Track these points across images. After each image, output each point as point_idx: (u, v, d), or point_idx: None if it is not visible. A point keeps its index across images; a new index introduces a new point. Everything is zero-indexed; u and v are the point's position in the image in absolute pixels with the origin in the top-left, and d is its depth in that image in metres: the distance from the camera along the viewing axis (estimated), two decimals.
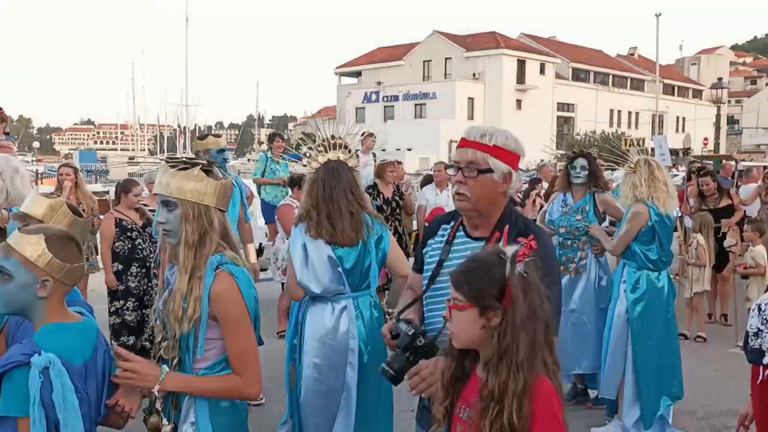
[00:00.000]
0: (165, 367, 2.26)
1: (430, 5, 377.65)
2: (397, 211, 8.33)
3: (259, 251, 8.32)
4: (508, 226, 2.07)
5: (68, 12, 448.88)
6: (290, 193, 7.50)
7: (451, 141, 46.99)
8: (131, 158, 45.44)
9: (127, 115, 73.35)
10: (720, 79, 31.99)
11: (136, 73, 68.66)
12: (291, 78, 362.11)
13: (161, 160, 2.98)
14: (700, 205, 8.42)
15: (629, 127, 57.61)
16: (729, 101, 69.82)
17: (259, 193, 9.57)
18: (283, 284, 7.16)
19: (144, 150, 68.02)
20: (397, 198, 8.37)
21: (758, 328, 2.72)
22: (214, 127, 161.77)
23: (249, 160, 44.32)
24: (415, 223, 8.97)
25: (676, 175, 20.05)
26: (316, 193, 3.50)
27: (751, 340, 2.75)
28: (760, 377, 2.70)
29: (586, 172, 5.17)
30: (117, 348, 2.28)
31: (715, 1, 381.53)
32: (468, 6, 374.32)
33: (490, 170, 2.22)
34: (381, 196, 8.32)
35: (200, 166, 2.33)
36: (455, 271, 1.88)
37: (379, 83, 56.13)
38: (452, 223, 2.42)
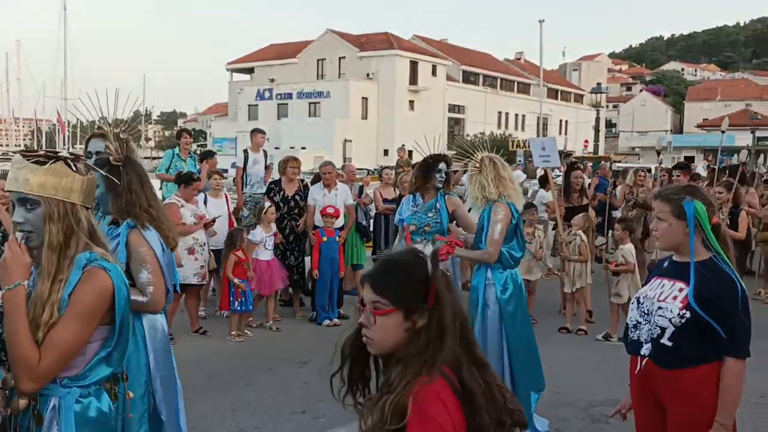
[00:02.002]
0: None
1: (324, 4, 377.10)
2: (296, 210, 8.12)
3: None
4: None
5: None
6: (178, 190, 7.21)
7: (345, 140, 47.12)
8: (4, 154, 42.48)
9: (0, 108, 68.58)
10: (599, 84, 33.82)
11: (11, 63, 64.10)
12: (181, 73, 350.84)
13: (14, 153, 2.74)
14: (565, 201, 8.81)
15: (516, 129, 59.77)
16: (607, 106, 74.07)
17: (161, 189, 9.19)
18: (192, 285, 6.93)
19: (19, 145, 63.84)
20: (297, 197, 8.19)
21: (637, 321, 2.86)
22: (97, 123, 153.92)
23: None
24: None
25: (558, 176, 20.98)
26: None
27: (631, 332, 2.89)
28: (638, 367, 2.82)
29: (446, 177, 5.49)
30: None
31: (595, 11, 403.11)
32: (362, 6, 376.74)
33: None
34: (281, 193, 8.14)
35: (63, 159, 2.15)
36: (372, 275, 1.79)
37: (272, 80, 55.38)
38: None
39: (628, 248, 7.16)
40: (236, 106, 56.45)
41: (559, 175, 16.91)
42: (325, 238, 7.72)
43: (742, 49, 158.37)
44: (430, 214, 5.39)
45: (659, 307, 2.79)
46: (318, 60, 55.26)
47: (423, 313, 1.72)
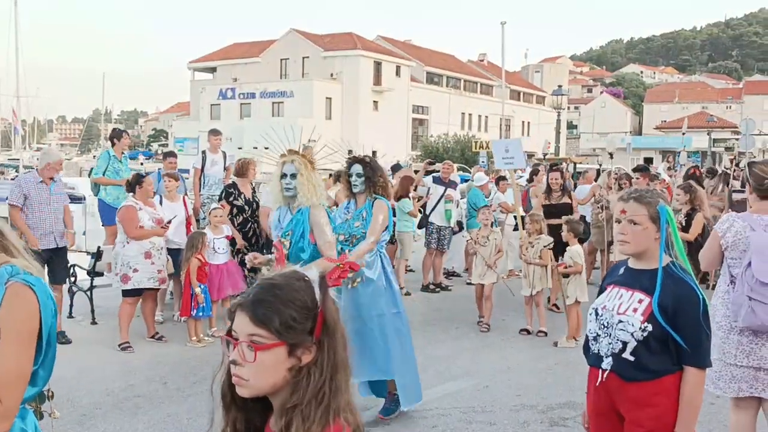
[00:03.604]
0: None
1: (288, 4, 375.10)
2: (256, 213, 7.93)
3: (98, 255, 7.75)
4: None
5: None
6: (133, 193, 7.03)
7: (309, 140, 46.83)
8: None
9: None
10: (560, 86, 34.18)
11: None
12: (142, 71, 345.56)
13: None
14: (545, 198, 8.91)
15: (479, 130, 60.20)
16: (568, 107, 75.07)
17: (97, 193, 8.98)
18: (124, 291, 6.70)
19: None
20: (258, 199, 8.05)
21: (597, 333, 2.75)
22: (55, 122, 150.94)
23: (94, 156, 41.61)
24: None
25: (521, 176, 21.17)
26: None
27: (591, 344, 2.78)
28: (600, 379, 2.73)
29: (362, 179, 4.96)
30: None
31: (557, 14, 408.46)
32: (326, 6, 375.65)
33: None
34: (242, 196, 7.98)
35: None
36: (250, 302, 1.49)
37: (235, 80, 54.84)
38: None
39: (576, 250, 7.19)
40: (198, 106, 55.75)
41: (522, 176, 17.04)
42: None
43: (699, 53, 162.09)
44: (356, 223, 4.97)
45: (619, 321, 2.64)
46: (281, 59, 54.90)
47: (309, 347, 1.49)
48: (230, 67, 57.18)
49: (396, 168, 12.19)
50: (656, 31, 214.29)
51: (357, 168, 4.97)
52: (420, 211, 9.90)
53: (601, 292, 2.89)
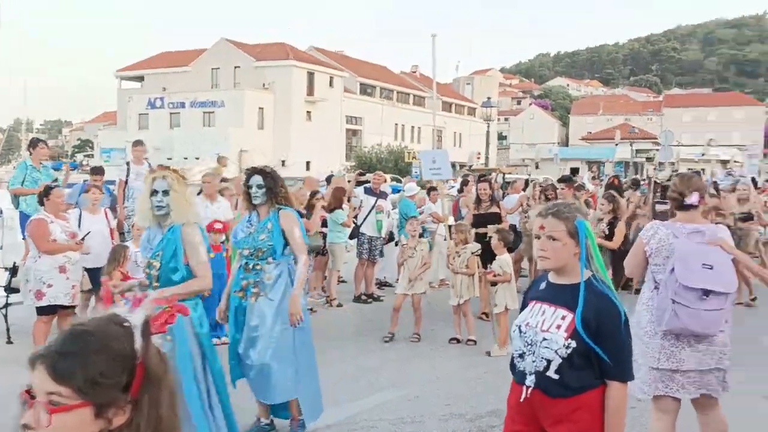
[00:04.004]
0: None
1: (219, 13, 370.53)
2: None
3: (13, 271, 7.40)
4: None
5: None
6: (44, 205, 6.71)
7: (241, 150, 46.26)
8: None
9: None
10: (489, 98, 34.87)
11: None
12: (66, 79, 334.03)
13: None
14: (475, 208, 9.05)
15: (412, 140, 60.79)
16: (498, 119, 76.70)
17: (17, 205, 8.60)
18: (39, 308, 6.38)
19: None
20: None
21: (522, 351, 2.72)
22: None
23: (15, 167, 39.89)
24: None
25: (453, 187, 21.45)
26: None
27: (517, 361, 2.76)
28: (523, 395, 2.70)
29: (263, 190, 4.73)
30: None
31: (487, 28, 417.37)
32: (257, 17, 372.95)
33: None
34: None
35: None
36: (51, 353, 1.26)
37: (164, 89, 53.69)
38: None
39: (505, 258, 7.29)
40: (126, 115, 54.30)
41: (453, 186, 17.27)
42: (212, 254, 7.45)
43: (621, 67, 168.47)
44: (261, 236, 4.69)
45: (544, 338, 2.60)
46: (212, 69, 54.09)
47: (123, 407, 1.27)
48: (159, 76, 55.96)
49: (330, 179, 12.19)
50: (581, 46, 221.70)
51: (257, 179, 4.73)
52: (353, 221, 9.89)
53: (523, 306, 2.85)
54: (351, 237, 10.10)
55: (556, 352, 2.58)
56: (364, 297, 9.93)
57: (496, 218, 8.90)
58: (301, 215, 9.01)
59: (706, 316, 3.66)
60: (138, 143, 8.92)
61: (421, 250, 7.73)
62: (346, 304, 9.50)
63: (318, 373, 4.94)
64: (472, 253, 7.49)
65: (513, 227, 9.57)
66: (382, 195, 10.50)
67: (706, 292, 3.65)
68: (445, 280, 10.07)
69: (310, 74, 52.79)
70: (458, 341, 7.52)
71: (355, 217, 10.04)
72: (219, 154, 11.95)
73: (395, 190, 15.02)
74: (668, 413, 3.92)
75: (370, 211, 10.09)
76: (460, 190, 12.29)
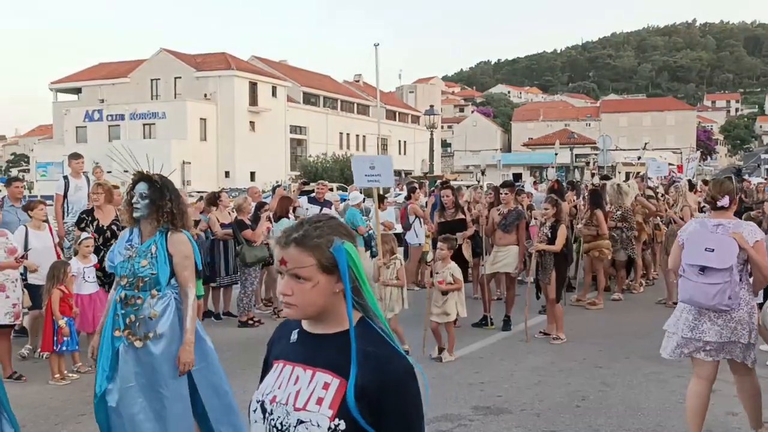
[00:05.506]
0: None
1: (157, 23, 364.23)
2: (111, 241, 7.27)
3: None
4: None
5: None
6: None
7: (183, 162, 45.52)
8: None
9: None
10: (432, 106, 35.22)
11: None
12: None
13: None
14: (439, 216, 8.97)
15: (357, 149, 60.92)
16: (442, 126, 77.64)
17: None
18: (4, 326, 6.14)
19: None
20: (114, 227, 7.35)
21: None
22: None
23: None
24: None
25: (399, 194, 21.59)
26: None
27: None
28: None
29: (147, 201, 3.93)
30: None
31: (428, 37, 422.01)
32: (197, 27, 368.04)
33: None
34: (95, 223, 7.37)
35: None
36: None
37: (102, 101, 52.45)
38: None
39: (455, 266, 7.31)
40: (62, 128, 52.81)
41: (399, 194, 17.37)
42: None
43: (560, 74, 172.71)
44: (143, 262, 3.90)
45: (299, 420, 1.72)
46: (152, 80, 53.16)
47: None
48: (96, 88, 54.67)
49: (275, 189, 12.13)
50: (521, 53, 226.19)
51: (141, 187, 3.96)
52: None
53: (266, 369, 1.93)
54: None
55: None
56: None
57: (462, 225, 8.85)
58: (246, 226, 8.97)
59: (708, 289, 4.31)
60: (75, 156, 8.68)
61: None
62: None
63: (238, 410, 4.18)
64: (426, 262, 7.40)
65: (476, 233, 9.49)
66: (327, 204, 10.49)
67: (703, 269, 4.34)
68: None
69: (253, 84, 52.40)
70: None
71: None
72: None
73: (343, 199, 15.02)
74: (702, 379, 4.53)
75: None
76: (408, 198, 12.36)
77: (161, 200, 3.92)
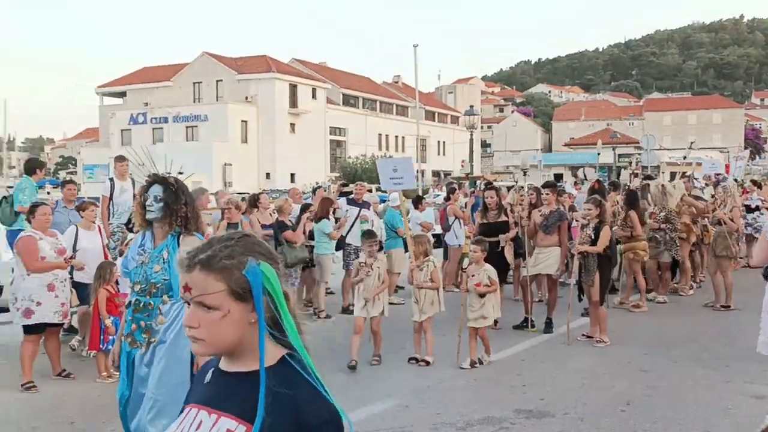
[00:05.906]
0: None
1: (200, 27, 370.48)
2: None
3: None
4: None
5: None
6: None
7: (225, 164, 46.16)
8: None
9: None
10: (472, 106, 35.01)
11: None
12: (46, 96, 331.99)
13: None
14: (481, 217, 8.91)
15: (396, 150, 60.94)
16: (482, 127, 77.15)
17: (10, 224, 8.42)
18: (26, 327, 6.32)
19: None
20: None
21: None
22: None
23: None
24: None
25: (438, 195, 21.49)
26: None
27: None
28: None
29: (161, 204, 3.86)
30: None
31: (467, 37, 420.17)
32: (238, 30, 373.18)
33: None
34: None
35: None
36: None
37: (146, 104, 53.53)
38: None
39: (491, 268, 7.23)
40: (108, 131, 54.08)
41: (439, 195, 17.32)
42: None
43: (602, 72, 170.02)
44: (156, 267, 3.83)
45: None
46: (194, 83, 54.05)
47: None
48: (141, 92, 55.84)
49: (316, 190, 12.24)
50: (562, 53, 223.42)
51: (156, 189, 3.89)
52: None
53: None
54: (336, 248, 10.10)
55: None
56: (352, 308, 9.89)
57: (505, 227, 8.72)
58: (287, 227, 9.04)
59: None
60: (120, 159, 8.86)
61: (378, 268, 6.99)
62: (335, 316, 9.48)
63: None
64: (462, 269, 7.23)
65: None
66: (365, 205, 10.51)
67: None
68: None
69: (293, 86, 52.86)
70: (417, 361, 6.99)
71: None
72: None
73: (382, 200, 15.04)
74: None
75: (354, 222, 10.09)
76: (447, 199, 12.31)
77: (176, 204, 3.86)
